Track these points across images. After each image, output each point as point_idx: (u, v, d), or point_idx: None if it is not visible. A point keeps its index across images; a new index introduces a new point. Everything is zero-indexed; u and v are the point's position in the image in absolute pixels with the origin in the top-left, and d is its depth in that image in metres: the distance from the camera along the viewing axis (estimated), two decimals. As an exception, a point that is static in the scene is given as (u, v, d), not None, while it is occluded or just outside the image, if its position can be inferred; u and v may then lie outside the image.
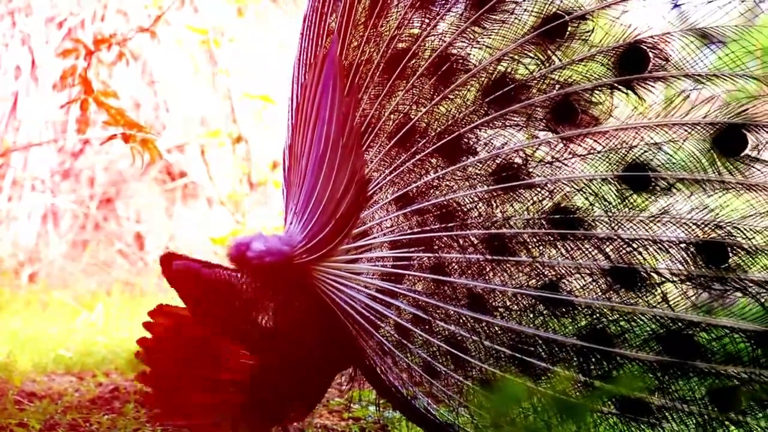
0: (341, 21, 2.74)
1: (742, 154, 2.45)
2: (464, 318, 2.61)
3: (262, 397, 2.72)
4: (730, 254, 2.46)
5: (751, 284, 2.45)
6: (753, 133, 2.44)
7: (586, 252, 2.54)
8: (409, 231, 2.66)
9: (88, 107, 3.66)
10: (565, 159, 2.56)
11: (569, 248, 2.55)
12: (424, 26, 2.66)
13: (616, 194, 2.52)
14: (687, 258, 2.48)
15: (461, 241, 2.62)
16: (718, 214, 2.46)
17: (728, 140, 2.45)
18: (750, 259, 2.45)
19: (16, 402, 3.57)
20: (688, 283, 2.48)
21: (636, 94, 2.51)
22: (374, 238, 2.70)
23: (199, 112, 7.20)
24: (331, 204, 2.69)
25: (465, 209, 2.63)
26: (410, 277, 2.67)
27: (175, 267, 2.73)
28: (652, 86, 2.50)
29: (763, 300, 2.43)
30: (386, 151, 2.69)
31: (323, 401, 3.56)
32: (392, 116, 2.69)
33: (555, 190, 2.56)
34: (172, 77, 7.13)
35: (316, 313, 2.71)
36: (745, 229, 2.45)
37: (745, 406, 2.45)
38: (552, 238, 2.56)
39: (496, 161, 2.61)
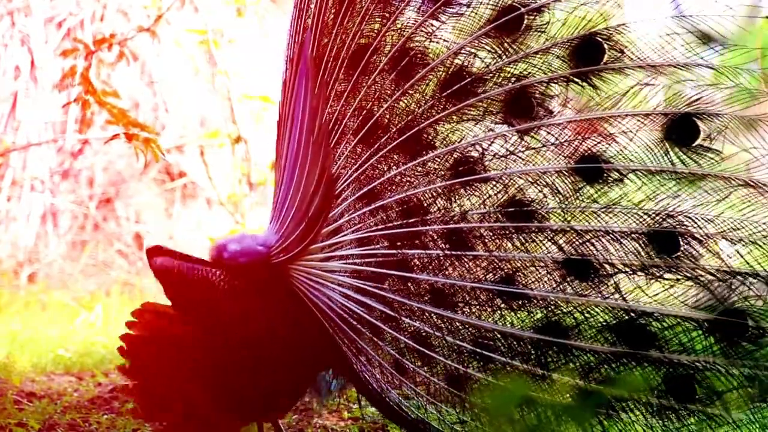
0: (314, 17, 2.73)
1: (695, 144, 2.44)
2: (428, 314, 2.61)
3: (236, 395, 2.74)
4: (682, 243, 2.45)
5: (702, 273, 2.44)
6: (705, 123, 2.43)
7: (540, 244, 2.53)
8: (374, 228, 2.66)
9: (89, 107, 3.66)
10: (520, 152, 2.55)
11: (524, 241, 2.55)
12: (383, 21, 2.64)
13: (570, 186, 2.51)
14: (639, 248, 2.47)
15: (422, 237, 2.61)
16: (669, 203, 2.45)
17: (681, 130, 2.44)
18: (701, 247, 2.44)
19: (15, 402, 3.57)
20: (640, 273, 2.47)
21: (592, 85, 2.50)
22: (345, 235, 2.70)
23: (199, 113, 7.20)
24: (303, 202, 2.71)
25: (425, 205, 2.62)
26: (378, 274, 2.66)
27: (155, 264, 2.78)
28: (608, 78, 2.49)
29: (713, 288, 2.42)
30: (352, 147, 2.68)
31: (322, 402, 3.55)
32: (356, 113, 2.67)
33: (510, 184, 2.55)
34: (171, 78, 7.13)
35: (294, 311, 2.72)
36: (696, 218, 2.45)
37: (701, 395, 2.44)
38: (507, 232, 2.55)
39: (454, 156, 2.60)
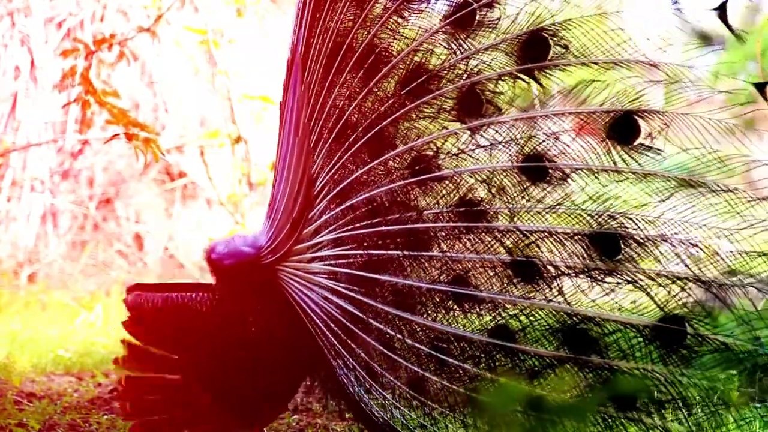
0: (305, 18, 2.72)
1: (636, 143, 2.40)
2: (391, 316, 2.58)
3: (229, 398, 2.75)
4: (623, 246, 2.40)
5: (642, 277, 2.39)
6: (646, 121, 2.40)
7: (488, 245, 2.50)
8: (345, 228, 2.64)
9: (89, 107, 3.66)
10: (471, 150, 2.52)
11: (474, 241, 2.51)
12: (356, 18, 2.63)
13: (516, 185, 2.48)
14: (581, 250, 2.43)
15: (385, 238, 2.59)
16: (612, 204, 2.41)
17: (622, 128, 2.40)
18: (642, 250, 2.39)
19: (15, 402, 3.57)
20: (582, 276, 2.43)
21: (538, 82, 2.47)
22: (323, 236, 2.68)
23: (199, 113, 7.20)
24: (289, 203, 2.71)
25: (387, 204, 2.60)
26: (350, 276, 2.64)
27: (128, 302, 2.80)
28: (553, 74, 2.46)
29: (653, 293, 2.37)
30: (328, 147, 2.67)
31: (323, 402, 3.55)
32: (331, 111, 2.66)
33: (461, 183, 2.52)
34: (171, 78, 7.13)
35: (284, 313, 2.71)
36: (637, 220, 2.40)
37: (641, 403, 2.38)
38: (458, 232, 2.52)
39: (411, 154, 2.58)
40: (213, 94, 7.13)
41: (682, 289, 2.37)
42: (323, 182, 2.67)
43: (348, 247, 2.63)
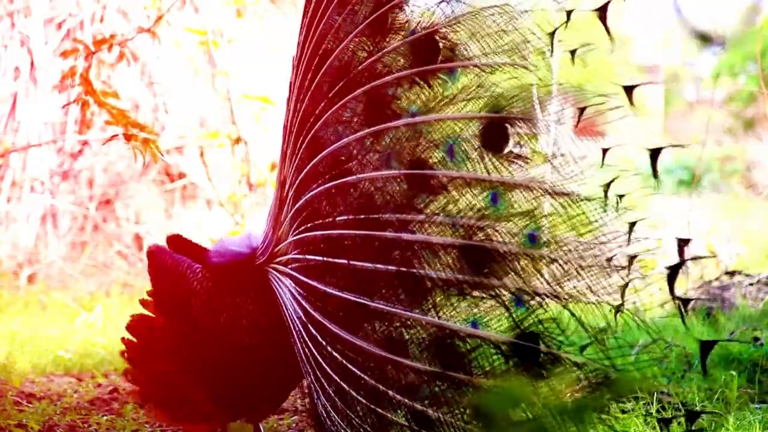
0: (302, 20, 2.71)
1: (506, 150, 2.33)
2: (319, 324, 2.52)
3: (223, 393, 2.79)
4: (488, 259, 2.31)
5: (504, 291, 2.30)
6: (514, 127, 2.33)
7: (380, 255, 2.42)
8: (297, 232, 2.62)
9: (89, 107, 3.66)
10: (371, 155, 2.46)
11: (368, 251, 2.44)
12: (312, 18, 2.61)
13: (403, 194, 2.41)
14: (452, 262, 2.34)
15: (312, 243, 2.55)
16: (482, 215, 2.33)
17: (493, 135, 2.33)
18: (505, 264, 2.30)
19: (15, 403, 3.57)
20: (452, 289, 2.34)
21: (430, 86, 2.41)
22: (289, 239, 2.66)
23: (199, 113, 7.20)
24: (275, 205, 2.74)
25: (315, 208, 2.56)
26: (299, 280, 2.59)
27: (151, 247, 2.94)
28: (442, 78, 2.39)
29: (512, 309, 2.28)
30: (290, 148, 2.65)
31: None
32: (294, 113, 2.64)
33: (363, 190, 2.46)
34: (171, 78, 7.13)
35: (275, 314, 2.71)
36: (502, 232, 2.32)
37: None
38: (360, 241, 2.45)
39: (331, 159, 2.53)
40: (213, 94, 7.13)
41: (540, 305, 2.28)
42: (288, 184, 2.66)
43: (298, 251, 2.61)
